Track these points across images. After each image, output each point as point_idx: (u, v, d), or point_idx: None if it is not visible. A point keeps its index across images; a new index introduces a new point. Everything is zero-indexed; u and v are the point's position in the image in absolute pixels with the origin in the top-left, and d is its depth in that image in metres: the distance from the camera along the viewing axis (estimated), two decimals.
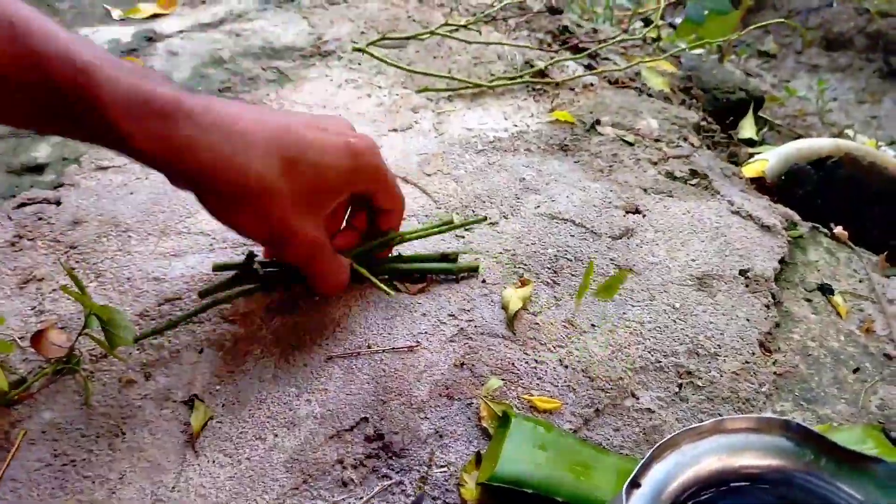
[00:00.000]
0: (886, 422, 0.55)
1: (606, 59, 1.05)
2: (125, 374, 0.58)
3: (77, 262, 0.69)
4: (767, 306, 0.64)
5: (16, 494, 0.51)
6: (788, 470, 0.34)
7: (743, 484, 0.35)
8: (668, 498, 0.33)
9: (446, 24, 1.02)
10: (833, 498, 0.33)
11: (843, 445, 0.33)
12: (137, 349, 0.60)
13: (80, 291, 0.53)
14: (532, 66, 0.96)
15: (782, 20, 1.02)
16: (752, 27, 1.03)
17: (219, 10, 1.10)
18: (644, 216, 0.72)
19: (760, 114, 1.17)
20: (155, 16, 1.08)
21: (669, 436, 0.34)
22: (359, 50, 0.92)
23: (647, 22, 1.36)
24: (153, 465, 0.53)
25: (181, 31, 1.04)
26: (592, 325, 0.61)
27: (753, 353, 0.60)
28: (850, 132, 1.27)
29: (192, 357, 0.60)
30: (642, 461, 0.33)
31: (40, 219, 0.73)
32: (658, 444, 0.34)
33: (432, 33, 0.98)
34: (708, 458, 0.34)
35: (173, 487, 0.51)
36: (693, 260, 0.68)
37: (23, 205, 0.75)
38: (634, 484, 0.33)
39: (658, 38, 1.12)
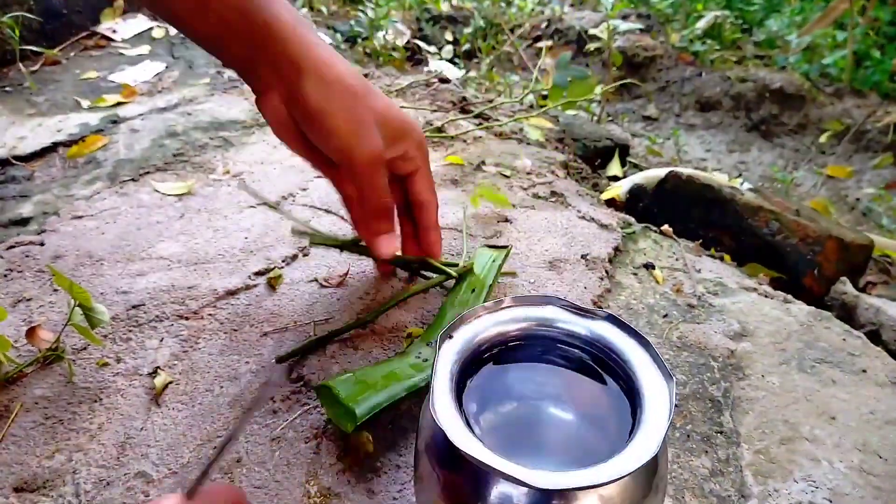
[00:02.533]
0: (681, 346, 0.75)
1: (496, 119, 1.29)
2: (101, 360, 0.74)
3: (59, 286, 0.85)
4: (601, 278, 0.84)
5: (17, 446, 0.66)
6: (536, 328, 0.53)
7: (516, 343, 0.53)
8: (469, 347, 0.51)
9: None
10: (562, 337, 0.52)
11: (578, 303, 0.53)
12: (110, 341, 0.76)
13: (60, 279, 0.70)
14: (432, 125, 1.19)
15: (660, 88, 1.28)
16: (610, 87, 1.28)
17: (172, 97, 1.31)
18: (511, 223, 0.93)
19: (632, 160, 1.41)
20: (118, 104, 1.29)
21: (471, 309, 0.53)
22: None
23: (540, 96, 1.61)
24: (125, 416, 0.68)
25: (141, 115, 1.25)
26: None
27: None
28: (709, 170, 1.52)
29: (154, 344, 0.76)
30: (453, 322, 0.51)
31: (27, 256, 0.90)
32: (465, 313, 0.52)
33: None
34: (496, 325, 0.53)
35: (141, 428, 0.67)
36: (546, 250, 0.88)
37: (12, 247, 0.92)
38: (448, 336, 0.51)
39: (542, 105, 1.36)
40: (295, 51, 0.58)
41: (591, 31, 1.70)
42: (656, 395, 0.48)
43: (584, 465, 0.46)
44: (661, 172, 1.09)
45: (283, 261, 0.88)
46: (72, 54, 1.52)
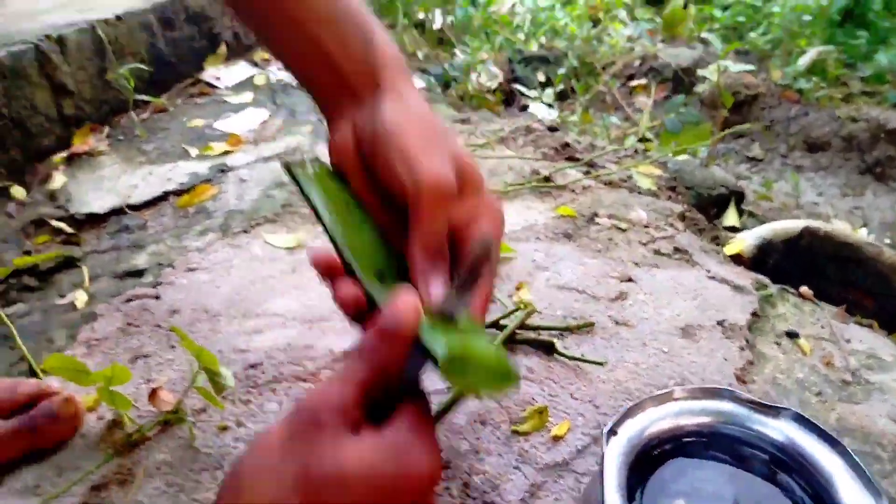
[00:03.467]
0: (841, 430, 0.67)
1: (602, 167, 1.24)
2: (221, 423, 0.73)
3: (176, 342, 0.85)
4: (742, 348, 0.77)
5: None
6: (716, 424, 0.48)
7: (690, 438, 0.48)
8: (636, 444, 0.47)
9: (467, 146, 1.22)
10: (750, 438, 0.47)
11: (757, 399, 0.47)
12: (230, 404, 0.75)
13: (189, 344, 0.69)
14: (538, 174, 1.15)
15: (765, 127, 1.21)
16: (726, 132, 1.21)
17: (278, 146, 1.32)
18: (635, 283, 0.88)
19: (745, 207, 1.34)
20: (225, 153, 1.31)
21: (639, 401, 0.48)
22: None
23: (641, 139, 1.56)
24: None
25: (248, 164, 1.26)
26: (596, 367, 0.75)
27: (731, 384, 0.73)
28: (831, 219, 1.43)
29: (274, 408, 0.74)
30: (618, 416, 0.47)
31: (145, 310, 0.90)
32: (630, 406, 0.48)
33: None
34: (666, 418, 0.48)
35: None
36: (677, 315, 0.82)
37: (129, 300, 0.93)
38: (613, 432, 0.47)
39: (646, 149, 1.31)
40: (381, 74, 0.52)
41: (700, 73, 1.64)
42: None
43: None
44: (791, 226, 1.02)
45: None
46: (178, 102, 1.56)
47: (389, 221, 0.53)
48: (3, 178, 1.18)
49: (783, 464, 0.47)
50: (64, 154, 1.27)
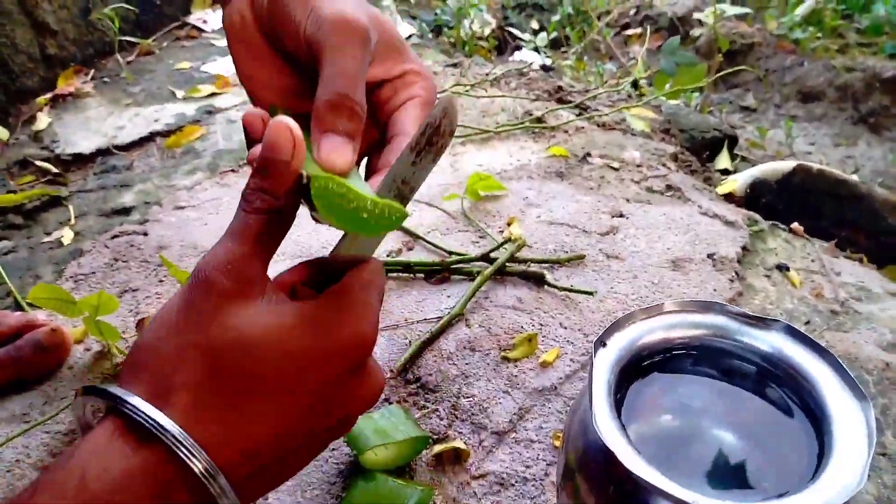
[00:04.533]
0: None
1: (595, 109, 1.23)
2: None
3: (165, 276, 0.84)
4: (731, 280, 0.77)
5: None
6: (707, 337, 0.47)
7: (680, 351, 0.48)
8: (625, 356, 0.46)
9: (458, 86, 1.21)
10: (739, 351, 0.47)
11: (749, 312, 0.47)
12: None
13: (176, 272, 0.69)
14: (531, 115, 1.14)
15: (759, 77, 1.19)
16: (721, 73, 1.20)
17: None
18: (627, 218, 0.87)
19: (737, 152, 1.33)
20: (212, 95, 1.28)
21: (628, 313, 0.48)
22: None
23: (634, 84, 1.54)
24: None
25: (236, 105, 1.24)
26: (586, 298, 0.75)
27: None
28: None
29: None
30: (607, 328, 0.47)
31: (132, 246, 0.90)
32: (619, 318, 0.47)
33: (445, 91, 1.17)
34: (656, 331, 0.48)
35: None
36: (668, 248, 0.82)
37: (116, 236, 0.92)
38: (602, 343, 0.46)
39: (640, 92, 1.29)
40: None
41: (696, 16, 1.61)
42: (847, 418, 0.43)
43: (753, 495, 0.41)
44: (784, 166, 1.02)
45: (387, 255, 0.84)
46: (165, 45, 1.53)
47: (299, 89, 0.44)
48: None
49: (772, 375, 0.47)
50: (48, 95, 1.25)
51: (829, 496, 0.38)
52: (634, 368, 0.48)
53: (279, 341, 0.33)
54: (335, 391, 0.34)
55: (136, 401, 0.30)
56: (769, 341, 0.47)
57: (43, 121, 1.20)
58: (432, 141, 0.39)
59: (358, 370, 0.36)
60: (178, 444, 0.30)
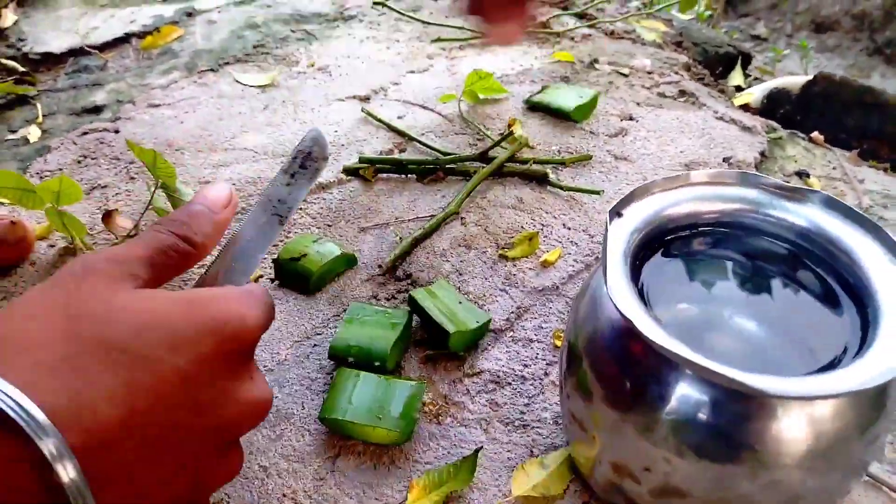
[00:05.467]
0: None
1: (604, 20, 1.15)
2: None
3: (136, 173, 0.78)
4: None
5: None
6: (736, 212, 0.42)
7: (705, 227, 0.42)
8: (643, 229, 0.41)
9: None
10: (769, 228, 0.41)
11: (782, 182, 0.41)
12: None
13: (140, 152, 0.62)
14: (534, 20, 1.06)
15: (771, 5, 1.12)
16: None
17: None
18: (637, 122, 0.81)
19: (750, 72, 1.26)
20: None
21: (648, 182, 0.42)
22: (379, 3, 1.03)
23: (645, 4, 1.46)
24: None
25: (217, 7, 1.15)
26: (591, 199, 0.69)
27: None
28: None
29: None
30: (623, 197, 0.41)
31: (102, 143, 0.83)
32: (638, 187, 0.42)
33: None
34: (681, 203, 0.42)
35: None
36: (681, 152, 0.76)
37: (86, 133, 0.85)
38: (617, 213, 0.41)
39: (649, 5, 1.21)
40: None
41: None
42: (895, 293, 0.37)
43: (792, 373, 0.36)
44: (804, 78, 0.95)
45: (378, 154, 0.78)
46: None
47: None
48: None
49: (810, 253, 0.41)
50: None
51: (875, 372, 0.33)
52: (653, 244, 0.42)
53: (145, 311, 0.29)
54: (205, 380, 0.29)
55: None
56: (807, 215, 0.41)
57: (9, 18, 1.11)
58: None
59: (236, 366, 0.31)
60: (19, 413, 0.24)
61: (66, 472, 0.24)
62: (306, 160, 0.42)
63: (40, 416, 0.24)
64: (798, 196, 0.42)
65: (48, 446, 0.24)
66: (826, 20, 1.74)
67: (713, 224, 0.43)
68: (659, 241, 0.43)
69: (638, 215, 0.42)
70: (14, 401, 0.24)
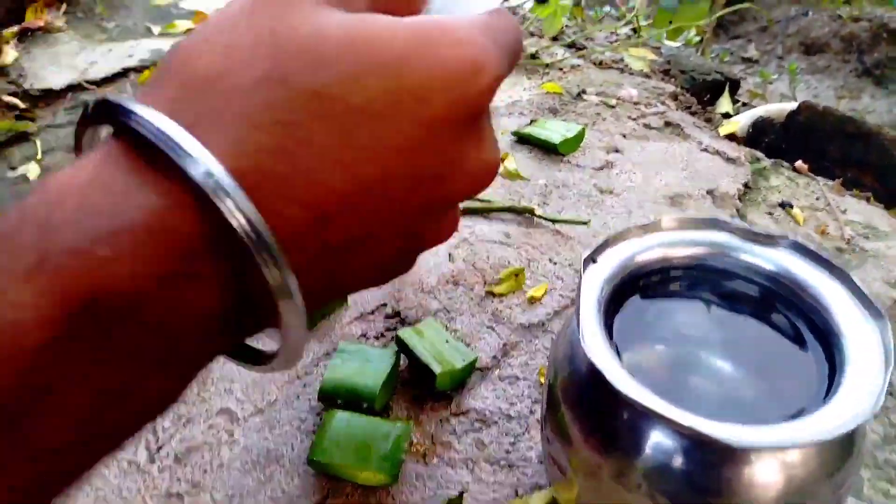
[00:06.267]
0: None
1: (593, 50, 1.17)
2: None
3: None
4: (732, 217, 0.73)
5: None
6: (707, 255, 0.43)
7: (677, 272, 0.44)
8: (617, 274, 0.42)
9: None
10: (742, 271, 0.43)
11: (753, 228, 0.43)
12: None
13: None
14: (524, 52, 1.08)
15: (762, 27, 1.15)
16: (722, 12, 1.15)
17: None
18: (623, 154, 0.82)
19: (738, 99, 1.28)
20: (190, 30, 1.22)
21: (622, 230, 0.44)
22: None
23: (633, 30, 1.48)
24: None
25: None
26: (577, 233, 0.71)
27: None
28: None
29: None
30: (598, 244, 0.42)
31: None
32: (612, 235, 0.43)
33: None
34: (654, 248, 0.44)
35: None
36: (666, 184, 0.77)
37: None
38: (591, 259, 0.42)
39: (639, 36, 1.24)
40: None
41: None
42: (861, 338, 0.39)
43: (757, 421, 0.37)
44: (788, 106, 0.97)
45: None
46: None
47: None
48: None
49: (778, 297, 0.42)
50: (15, 29, 1.19)
51: (842, 419, 0.34)
52: (627, 289, 0.43)
53: (367, 46, 0.22)
54: (430, 149, 0.23)
55: (147, 112, 0.19)
56: (775, 259, 0.43)
57: (10, 55, 1.13)
58: None
59: (468, 129, 0.24)
60: (210, 181, 0.18)
61: (266, 251, 0.19)
62: None
63: (234, 185, 0.19)
64: (768, 241, 0.43)
65: (239, 218, 0.19)
66: (816, 42, 1.77)
67: (685, 267, 0.44)
68: (633, 285, 0.44)
69: (612, 261, 0.43)
70: (204, 168, 0.19)
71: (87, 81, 1.08)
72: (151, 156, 0.19)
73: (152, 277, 0.18)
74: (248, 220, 0.19)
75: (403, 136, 0.22)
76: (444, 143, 0.23)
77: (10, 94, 1.06)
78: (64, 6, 1.28)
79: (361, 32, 0.22)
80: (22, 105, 1.04)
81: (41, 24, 1.21)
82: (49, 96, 1.07)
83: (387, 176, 0.22)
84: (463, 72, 0.23)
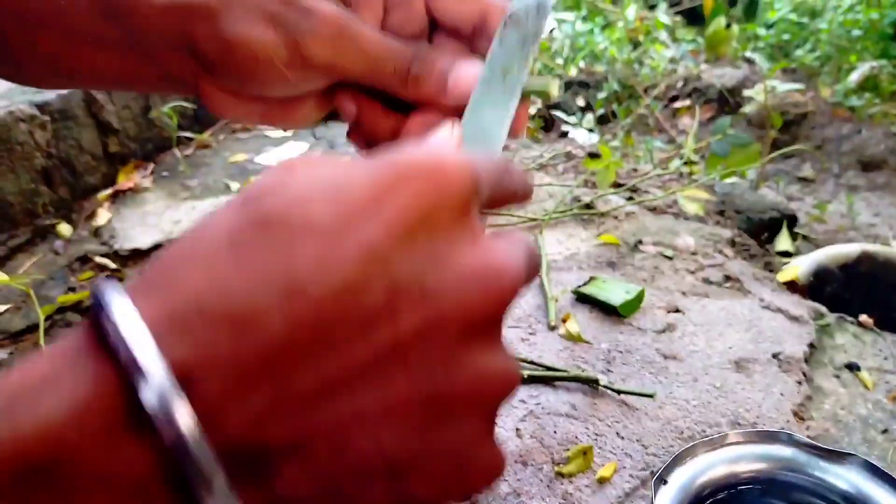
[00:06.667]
0: None
1: (646, 192, 1.21)
2: None
3: None
4: (799, 382, 0.73)
5: None
6: (775, 470, 0.44)
7: (746, 487, 0.45)
8: (689, 495, 0.43)
9: None
10: (812, 487, 0.43)
11: (819, 443, 0.43)
12: None
13: None
14: (579, 201, 1.13)
15: (816, 147, 1.17)
16: (777, 153, 1.17)
17: None
18: (684, 314, 0.84)
19: (798, 230, 1.28)
20: None
21: (689, 445, 0.45)
22: None
23: (685, 163, 1.52)
24: None
25: None
26: (644, 404, 0.72)
27: (788, 421, 0.68)
28: (890, 240, 1.36)
29: None
30: (667, 463, 0.44)
31: None
32: (680, 451, 0.44)
33: None
34: (719, 465, 0.45)
35: None
36: (730, 347, 0.78)
37: None
38: (662, 480, 0.43)
39: (692, 173, 1.27)
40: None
41: (746, 94, 1.60)
42: None
43: None
44: (848, 250, 0.97)
45: None
46: (221, 137, 1.59)
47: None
48: (51, 215, 1.21)
49: None
50: (109, 191, 1.30)
51: None
52: None
53: (342, 187, 0.21)
54: (441, 356, 0.21)
55: (110, 287, 0.20)
56: (846, 477, 0.43)
57: (103, 216, 1.24)
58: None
59: (487, 335, 0.22)
60: (154, 403, 0.18)
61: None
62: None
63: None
64: (835, 457, 0.44)
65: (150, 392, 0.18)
66: (872, 159, 1.77)
67: (752, 484, 0.45)
68: (707, 499, 0.45)
69: (681, 479, 0.44)
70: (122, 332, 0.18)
71: (171, 241, 1.16)
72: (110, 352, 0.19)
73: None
74: (186, 449, 0.18)
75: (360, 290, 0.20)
76: (464, 351, 0.22)
77: (102, 255, 1.15)
78: (151, 166, 1.40)
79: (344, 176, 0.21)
80: (112, 265, 1.13)
81: (131, 185, 1.32)
82: (137, 255, 1.16)
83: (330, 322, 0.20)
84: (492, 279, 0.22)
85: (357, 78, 0.37)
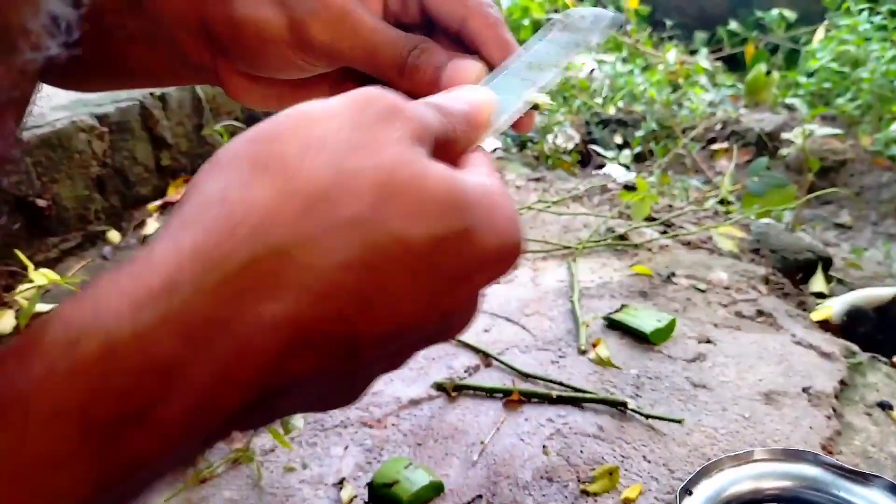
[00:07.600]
0: None
1: (680, 227, 1.22)
2: (287, 464, 0.73)
3: None
4: (829, 417, 0.73)
5: None
6: (799, 489, 0.45)
7: (770, 503, 0.45)
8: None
9: (540, 202, 1.23)
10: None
11: (844, 464, 0.44)
12: (296, 444, 0.76)
13: None
14: (613, 232, 1.14)
15: (854, 193, 1.17)
16: (813, 195, 1.18)
17: None
18: (715, 345, 0.84)
19: (833, 274, 1.28)
20: None
21: (716, 459, 0.46)
22: None
23: (721, 201, 1.53)
24: None
25: None
26: (671, 429, 0.72)
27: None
28: None
29: (339, 452, 0.75)
30: (693, 475, 0.45)
31: None
32: (706, 464, 0.45)
33: (529, 208, 1.19)
34: (745, 480, 0.46)
35: None
36: (760, 380, 0.78)
37: None
38: (687, 492, 0.44)
39: (727, 210, 1.28)
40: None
41: (784, 136, 1.61)
42: None
43: None
44: (883, 293, 0.97)
45: (465, 371, 0.84)
46: None
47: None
48: (102, 222, 1.26)
49: None
50: (158, 202, 1.35)
51: None
52: None
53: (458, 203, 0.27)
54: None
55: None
56: (870, 499, 0.44)
57: (152, 226, 1.29)
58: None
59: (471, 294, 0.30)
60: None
61: None
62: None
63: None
64: (860, 478, 0.44)
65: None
66: None
67: (779, 500, 0.46)
68: None
69: (706, 491, 0.45)
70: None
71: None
72: None
73: None
74: None
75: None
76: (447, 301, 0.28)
77: None
78: None
79: (455, 194, 0.27)
80: None
81: (180, 197, 1.37)
82: None
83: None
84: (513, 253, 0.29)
85: (356, 63, 0.39)
